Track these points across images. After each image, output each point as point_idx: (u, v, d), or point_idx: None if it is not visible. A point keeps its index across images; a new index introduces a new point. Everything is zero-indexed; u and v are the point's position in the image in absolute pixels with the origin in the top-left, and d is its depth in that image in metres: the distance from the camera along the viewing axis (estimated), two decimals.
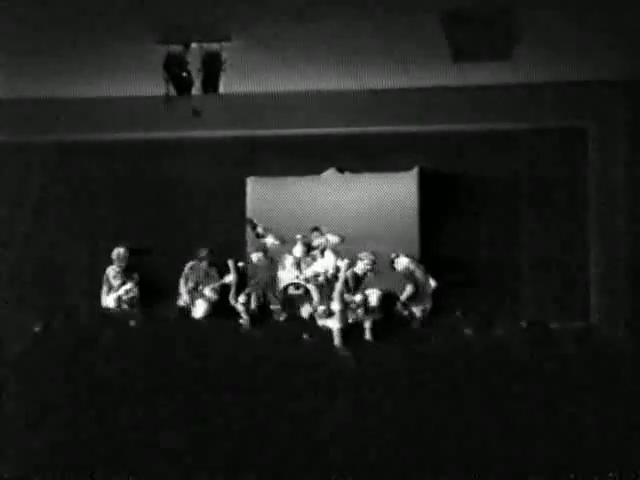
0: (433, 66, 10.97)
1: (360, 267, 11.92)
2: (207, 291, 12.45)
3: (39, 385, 5.74)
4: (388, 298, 11.95)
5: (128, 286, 12.50)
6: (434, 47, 9.78)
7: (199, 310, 12.39)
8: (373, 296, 11.89)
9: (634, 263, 11.88)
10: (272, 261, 12.31)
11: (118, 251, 12.65)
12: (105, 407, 5.61)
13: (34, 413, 5.65)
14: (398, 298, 11.89)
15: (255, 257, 12.28)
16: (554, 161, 12.53)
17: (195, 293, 12.53)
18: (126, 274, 12.61)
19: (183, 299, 12.52)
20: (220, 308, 12.39)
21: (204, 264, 12.60)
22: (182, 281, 12.61)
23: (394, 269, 12.14)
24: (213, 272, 12.65)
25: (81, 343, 5.95)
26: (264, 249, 12.29)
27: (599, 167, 12.18)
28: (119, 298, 12.47)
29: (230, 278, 12.30)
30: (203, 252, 12.59)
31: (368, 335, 11.05)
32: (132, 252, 12.69)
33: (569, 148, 12.44)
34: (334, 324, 11.59)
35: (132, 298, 12.53)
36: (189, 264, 12.65)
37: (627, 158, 11.94)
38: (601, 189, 12.16)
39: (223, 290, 12.47)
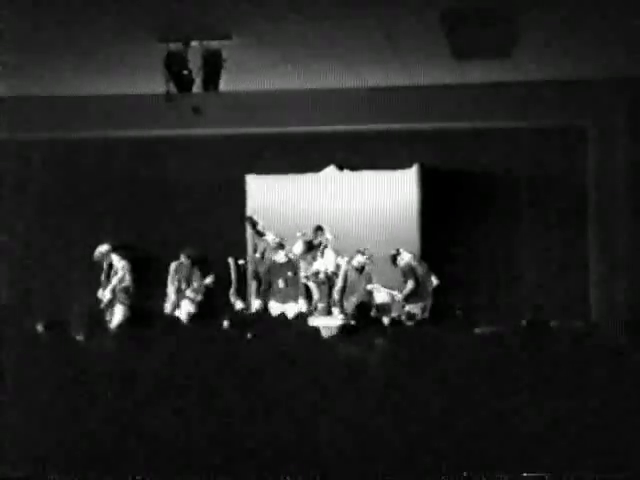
0: (433, 64, 10.97)
1: (359, 260, 11.94)
2: (188, 292, 12.47)
3: (40, 385, 5.75)
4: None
5: (120, 274, 12.46)
6: (434, 45, 9.79)
7: (184, 311, 12.37)
8: (383, 294, 11.93)
9: (634, 262, 11.89)
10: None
11: (99, 250, 12.63)
12: (106, 407, 5.61)
13: (34, 413, 5.65)
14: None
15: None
16: (554, 160, 12.53)
17: (180, 294, 12.52)
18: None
19: (170, 301, 12.49)
20: (206, 308, 12.40)
21: (187, 264, 12.58)
22: (169, 281, 12.61)
23: (396, 265, 12.14)
24: (196, 272, 12.64)
25: (82, 344, 5.97)
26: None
27: (599, 166, 12.18)
28: (114, 289, 12.46)
29: (208, 280, 12.41)
30: (186, 252, 12.58)
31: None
32: (115, 249, 12.67)
33: (569, 147, 12.44)
34: (334, 322, 11.61)
35: (127, 288, 12.50)
36: (173, 265, 12.64)
37: (627, 157, 11.95)
38: (601, 188, 12.16)
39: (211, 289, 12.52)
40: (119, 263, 12.54)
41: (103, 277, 12.63)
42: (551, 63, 10.94)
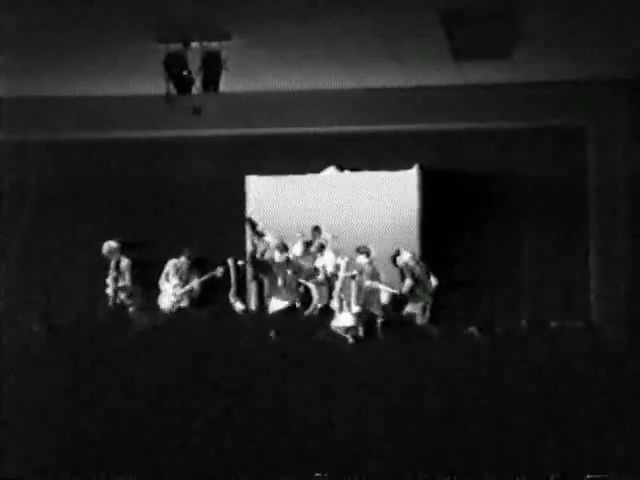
0: (433, 65, 10.98)
1: (360, 260, 11.98)
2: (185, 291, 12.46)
3: (40, 385, 5.75)
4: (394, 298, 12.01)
5: (195, 282, 12.46)
6: (434, 46, 9.80)
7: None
8: (383, 294, 11.93)
9: (634, 262, 11.89)
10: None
11: (108, 244, 12.57)
12: (106, 407, 5.61)
13: (34, 413, 5.66)
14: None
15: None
16: (554, 160, 12.52)
17: (179, 289, 12.49)
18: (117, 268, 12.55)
19: (169, 297, 12.46)
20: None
21: (187, 264, 12.59)
22: (165, 278, 12.59)
23: (396, 265, 12.14)
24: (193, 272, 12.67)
25: (83, 343, 5.96)
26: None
27: (598, 166, 12.19)
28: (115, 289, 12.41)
29: (195, 283, 12.40)
30: (187, 253, 12.58)
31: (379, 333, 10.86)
32: (124, 245, 12.65)
33: (569, 147, 12.44)
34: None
35: (125, 287, 12.47)
36: (172, 262, 12.63)
37: (627, 157, 11.95)
38: (600, 188, 12.17)
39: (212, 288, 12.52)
40: (123, 262, 12.54)
41: (111, 274, 12.59)
42: (551, 63, 10.94)
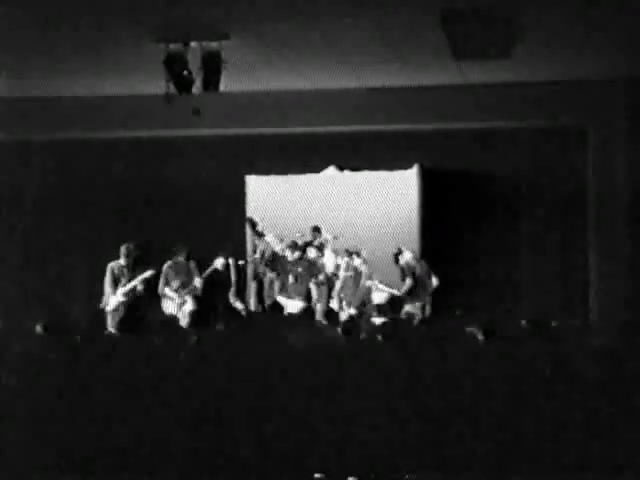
0: (433, 65, 10.98)
1: (353, 262, 11.97)
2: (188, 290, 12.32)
3: (39, 385, 5.76)
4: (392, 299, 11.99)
5: (148, 274, 12.13)
6: (434, 46, 9.80)
7: (186, 310, 12.21)
8: (383, 293, 11.93)
9: (634, 262, 11.89)
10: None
11: (128, 246, 12.43)
12: (105, 408, 5.62)
13: (34, 413, 5.66)
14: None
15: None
16: (554, 160, 12.53)
17: (182, 291, 12.37)
18: (133, 271, 12.41)
19: (174, 302, 12.31)
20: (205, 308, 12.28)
21: (185, 263, 12.43)
22: (162, 282, 12.38)
23: (398, 263, 12.14)
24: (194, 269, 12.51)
25: (82, 344, 5.98)
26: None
27: (598, 166, 12.19)
28: (132, 290, 12.14)
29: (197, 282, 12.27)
30: (181, 250, 12.37)
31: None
32: (139, 248, 12.50)
33: (569, 147, 12.44)
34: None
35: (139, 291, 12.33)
36: (168, 264, 12.41)
37: (627, 157, 11.95)
38: (601, 188, 12.16)
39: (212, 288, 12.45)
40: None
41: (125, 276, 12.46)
42: (551, 63, 10.95)
